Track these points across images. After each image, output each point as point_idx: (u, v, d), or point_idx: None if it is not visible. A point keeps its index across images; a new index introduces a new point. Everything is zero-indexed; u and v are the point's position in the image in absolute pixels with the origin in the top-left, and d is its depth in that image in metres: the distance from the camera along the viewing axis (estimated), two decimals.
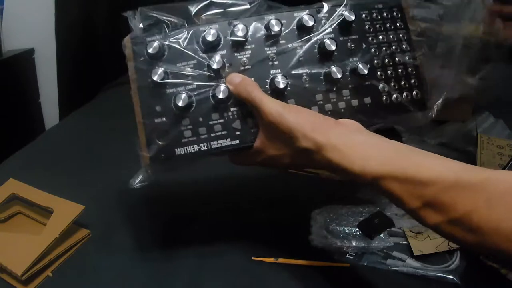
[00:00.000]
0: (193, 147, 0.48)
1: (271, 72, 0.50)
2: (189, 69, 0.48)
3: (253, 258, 0.54)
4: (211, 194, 0.70)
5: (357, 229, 0.56)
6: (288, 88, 0.49)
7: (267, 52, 0.50)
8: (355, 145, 0.42)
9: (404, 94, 0.52)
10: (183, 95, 0.47)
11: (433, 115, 0.54)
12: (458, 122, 0.83)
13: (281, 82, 0.48)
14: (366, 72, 0.50)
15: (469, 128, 0.81)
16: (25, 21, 1.53)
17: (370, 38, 0.53)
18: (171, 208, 0.67)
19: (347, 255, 0.55)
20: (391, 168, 0.38)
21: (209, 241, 0.58)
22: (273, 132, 0.46)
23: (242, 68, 0.49)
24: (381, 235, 0.56)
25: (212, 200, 0.68)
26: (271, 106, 0.45)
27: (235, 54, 0.50)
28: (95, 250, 0.57)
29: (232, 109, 0.49)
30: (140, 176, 0.49)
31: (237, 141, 0.49)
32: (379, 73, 0.52)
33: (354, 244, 0.55)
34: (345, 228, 0.57)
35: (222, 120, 0.49)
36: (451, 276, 0.50)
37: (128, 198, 0.69)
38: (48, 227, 0.55)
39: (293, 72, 0.50)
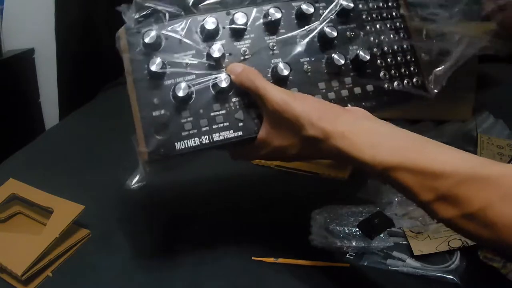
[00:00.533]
0: (194, 140, 0.46)
1: (272, 61, 0.49)
2: (187, 59, 0.47)
3: (253, 258, 0.54)
4: (211, 194, 0.70)
5: (357, 229, 0.56)
6: (290, 77, 0.48)
7: (267, 41, 0.49)
8: (363, 133, 0.40)
9: (405, 81, 0.52)
10: (183, 85, 0.45)
11: (438, 89, 0.53)
12: (458, 122, 0.83)
13: (284, 69, 0.47)
14: (367, 58, 0.50)
15: (469, 128, 0.81)
16: (25, 21, 1.53)
17: (368, 27, 0.53)
18: (171, 208, 0.67)
19: (347, 255, 0.55)
20: (403, 159, 0.37)
21: (209, 241, 0.58)
22: (278, 121, 0.44)
23: (242, 57, 0.48)
24: (381, 235, 0.56)
25: (212, 200, 0.68)
26: (276, 94, 0.44)
27: (235, 43, 0.48)
28: (95, 250, 0.57)
29: (233, 100, 0.47)
30: (138, 176, 0.47)
31: (240, 133, 0.47)
32: (379, 61, 0.52)
33: (354, 244, 0.55)
34: (345, 228, 0.57)
35: (223, 111, 0.47)
36: (451, 276, 0.50)
37: (128, 198, 0.69)
38: (48, 227, 0.55)
39: (295, 60, 0.49)
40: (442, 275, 0.50)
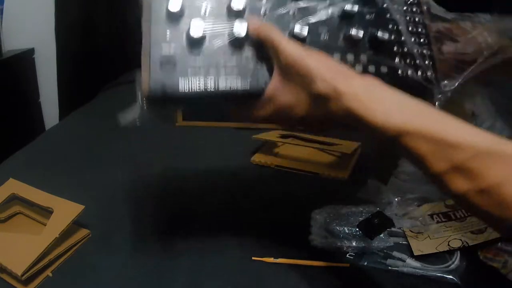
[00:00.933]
0: (199, 84, 0.45)
1: (291, 25, 0.48)
2: (208, 5, 0.46)
3: (253, 258, 0.54)
4: (211, 194, 0.70)
5: (357, 229, 0.56)
6: (307, 43, 0.48)
7: (289, 5, 0.49)
8: (378, 98, 0.39)
9: (419, 72, 0.52)
10: (198, 27, 0.44)
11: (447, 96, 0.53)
12: None
13: (302, 31, 0.47)
14: (386, 38, 0.50)
15: None
16: (25, 21, 1.54)
17: (388, 15, 0.53)
18: (171, 207, 0.67)
19: (347, 255, 0.55)
20: (418, 125, 0.36)
21: (209, 240, 0.58)
22: (290, 74, 0.43)
23: (262, 17, 0.48)
24: (381, 235, 0.56)
25: (212, 200, 0.68)
26: (291, 47, 0.43)
27: (257, 2, 0.48)
28: (95, 250, 0.57)
29: (246, 52, 0.46)
30: (133, 112, 0.46)
31: (248, 86, 0.45)
32: (396, 47, 0.52)
33: (354, 244, 0.55)
34: (345, 228, 0.57)
35: (234, 61, 0.46)
36: (451, 276, 0.50)
37: (128, 198, 0.69)
38: (48, 227, 0.55)
39: (313, 28, 0.49)
40: (442, 275, 0.50)
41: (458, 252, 0.53)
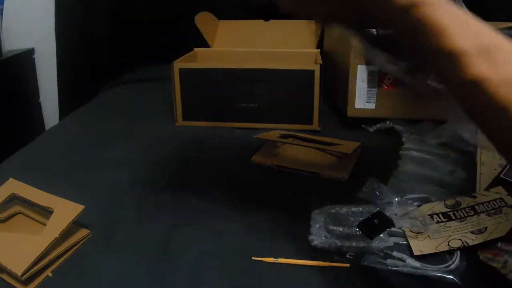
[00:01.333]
0: None
1: None
2: None
3: (253, 258, 0.54)
4: (211, 194, 0.70)
5: (357, 229, 0.56)
6: None
7: None
8: None
9: None
10: None
11: None
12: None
13: None
14: None
15: None
16: (25, 21, 1.54)
17: None
18: (171, 208, 0.67)
19: (347, 255, 0.55)
20: (445, 2, 0.33)
21: (209, 240, 0.58)
22: None
23: None
24: (381, 235, 0.56)
25: (212, 199, 0.68)
26: None
27: None
28: (95, 250, 0.57)
29: None
30: None
31: None
32: None
33: (354, 244, 0.55)
34: (345, 228, 0.57)
35: None
36: (451, 276, 0.50)
37: (128, 198, 0.69)
38: (48, 227, 0.55)
39: None
40: (442, 275, 0.50)
41: (458, 252, 0.53)
